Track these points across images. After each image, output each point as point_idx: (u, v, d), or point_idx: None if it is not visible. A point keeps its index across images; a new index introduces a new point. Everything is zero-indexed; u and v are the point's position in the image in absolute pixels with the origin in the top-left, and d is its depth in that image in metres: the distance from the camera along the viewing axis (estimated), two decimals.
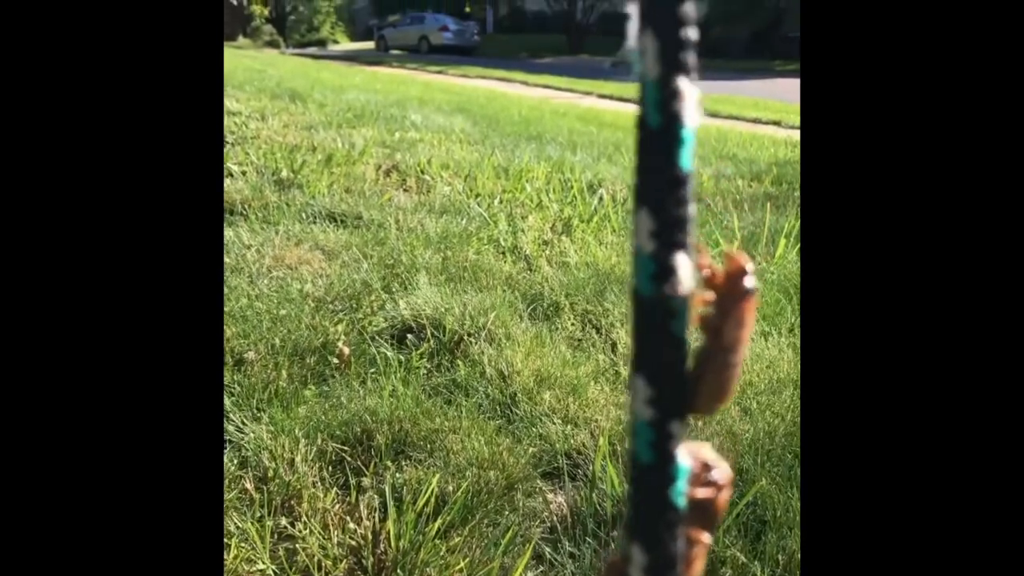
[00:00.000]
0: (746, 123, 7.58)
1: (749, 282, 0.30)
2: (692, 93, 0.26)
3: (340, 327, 1.68)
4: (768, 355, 1.73)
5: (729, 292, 0.30)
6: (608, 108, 8.19)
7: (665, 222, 0.27)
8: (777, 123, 7.61)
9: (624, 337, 1.79)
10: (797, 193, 3.70)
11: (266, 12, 26.24)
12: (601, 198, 3.28)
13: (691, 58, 0.26)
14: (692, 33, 0.26)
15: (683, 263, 0.27)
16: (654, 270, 0.27)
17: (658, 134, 0.26)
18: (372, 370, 1.57)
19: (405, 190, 3.24)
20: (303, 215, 2.51)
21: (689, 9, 0.26)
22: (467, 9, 26.70)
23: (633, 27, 0.26)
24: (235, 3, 24.03)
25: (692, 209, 0.27)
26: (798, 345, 1.81)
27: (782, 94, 10.54)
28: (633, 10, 0.26)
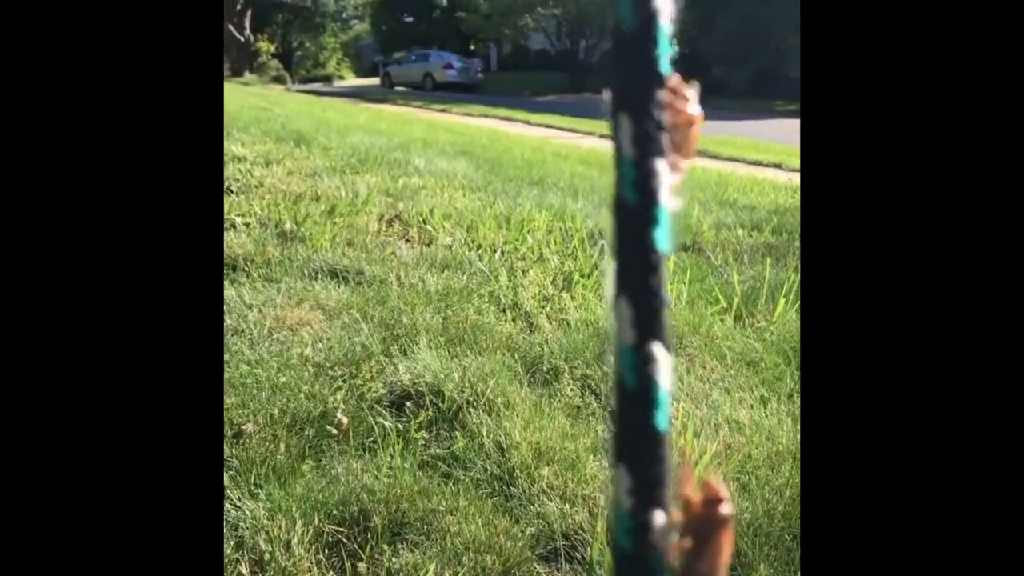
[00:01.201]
0: (747, 165, 7.63)
1: (726, 509, 0.31)
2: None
3: (339, 395, 1.69)
4: (767, 424, 1.73)
5: (705, 520, 0.31)
6: (610, 150, 8.24)
7: (643, 480, 0.28)
8: (778, 166, 7.66)
9: None
10: (797, 243, 3.72)
11: (272, 48, 26.56)
12: (602, 249, 3.30)
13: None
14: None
15: (660, 520, 0.28)
16: (631, 525, 0.28)
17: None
18: (370, 439, 1.57)
19: (407, 240, 3.26)
20: (305, 271, 2.53)
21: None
22: (471, 47, 27.05)
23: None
24: (242, 39, 24.35)
25: (669, 463, 0.28)
26: (798, 413, 1.81)
27: (784, 135, 10.63)
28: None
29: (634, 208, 0.27)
